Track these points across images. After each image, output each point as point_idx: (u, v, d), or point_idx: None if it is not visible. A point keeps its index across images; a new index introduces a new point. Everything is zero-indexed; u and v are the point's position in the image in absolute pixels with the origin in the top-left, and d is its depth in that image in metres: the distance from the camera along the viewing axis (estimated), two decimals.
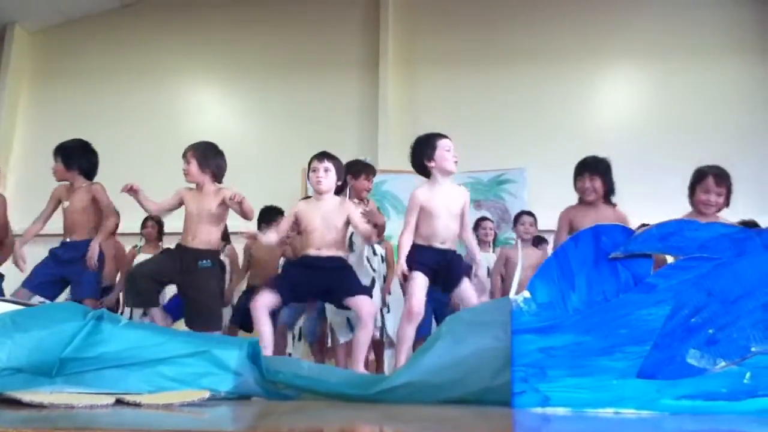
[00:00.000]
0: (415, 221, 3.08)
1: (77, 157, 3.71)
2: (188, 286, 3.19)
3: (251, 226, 3.82)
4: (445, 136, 3.10)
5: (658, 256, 1.47)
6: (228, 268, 4.57)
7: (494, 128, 6.11)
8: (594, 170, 3.38)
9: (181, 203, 3.36)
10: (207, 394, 1.38)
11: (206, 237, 3.25)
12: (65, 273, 3.61)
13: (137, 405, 1.26)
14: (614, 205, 3.49)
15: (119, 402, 1.28)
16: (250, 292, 4.36)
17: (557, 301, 1.35)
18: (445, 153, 3.04)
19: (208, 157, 3.32)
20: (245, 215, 3.24)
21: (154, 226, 4.94)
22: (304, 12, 7.00)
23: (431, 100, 6.57)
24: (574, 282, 1.37)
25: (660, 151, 5.73)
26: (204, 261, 3.18)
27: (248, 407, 1.40)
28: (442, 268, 2.99)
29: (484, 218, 4.74)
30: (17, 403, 1.19)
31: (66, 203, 3.65)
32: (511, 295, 1.38)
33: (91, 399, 1.24)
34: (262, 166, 6.42)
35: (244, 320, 4.31)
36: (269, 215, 4.54)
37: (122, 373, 1.41)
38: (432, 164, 3.06)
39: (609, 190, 3.41)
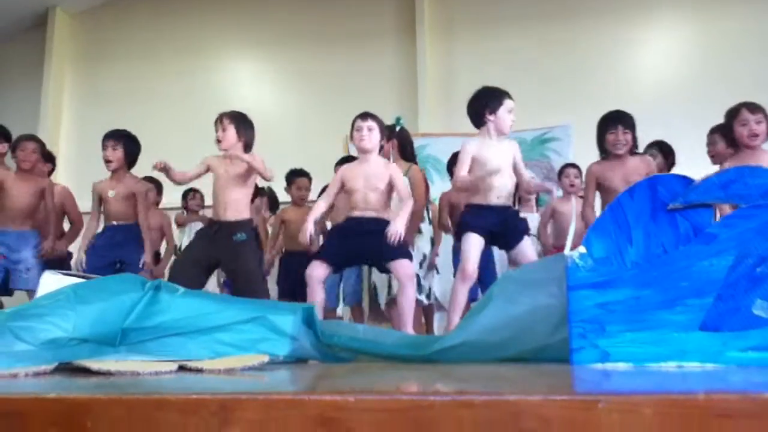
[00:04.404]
0: (466, 169, 3.08)
1: (133, 148, 3.85)
2: (228, 262, 3.27)
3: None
4: (511, 97, 3.09)
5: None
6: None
7: (535, 87, 6.00)
8: (627, 123, 3.38)
9: (206, 171, 3.41)
10: (266, 359, 1.40)
11: (236, 206, 3.30)
12: (118, 255, 3.75)
13: (200, 371, 1.29)
14: (640, 155, 3.46)
15: (182, 368, 1.31)
16: (289, 258, 4.43)
17: (614, 256, 1.32)
18: (507, 114, 3.05)
19: (245, 126, 3.38)
20: (262, 174, 3.31)
21: (194, 197, 5.03)
22: None
23: (470, 63, 6.49)
24: (631, 235, 1.33)
25: (705, 104, 5.53)
26: (238, 234, 3.23)
27: (306, 370, 1.42)
28: (501, 228, 2.98)
29: None
30: (86, 371, 1.23)
31: (112, 192, 3.76)
32: (566, 251, 1.35)
33: (155, 366, 1.28)
34: (302, 137, 6.48)
35: (291, 287, 4.39)
36: (294, 177, 4.63)
37: (182, 340, 1.44)
38: (492, 118, 3.05)
39: (635, 144, 3.42)
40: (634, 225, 1.34)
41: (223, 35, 7.20)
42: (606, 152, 3.45)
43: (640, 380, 1.07)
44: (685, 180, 1.36)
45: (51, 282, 1.64)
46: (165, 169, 3.29)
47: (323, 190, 3.82)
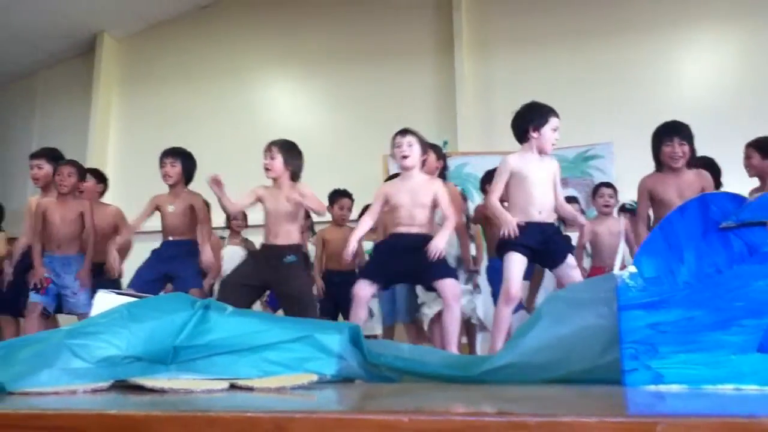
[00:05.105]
0: (503, 185, 3.03)
1: (190, 165, 3.92)
2: (278, 283, 3.31)
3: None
4: (558, 116, 3.06)
5: None
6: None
7: (576, 104, 5.93)
8: (684, 134, 3.25)
9: (255, 201, 3.45)
10: (315, 378, 1.42)
11: (287, 233, 3.35)
12: (168, 269, 3.81)
13: (250, 389, 1.31)
14: (696, 167, 3.33)
15: (233, 387, 1.33)
16: (330, 276, 4.45)
17: (665, 275, 1.30)
18: (551, 132, 3.02)
19: (293, 156, 3.42)
20: (316, 211, 3.43)
21: (237, 218, 5.07)
22: (376, 0, 7.01)
23: (509, 81, 6.45)
24: (682, 254, 1.31)
25: (749, 119, 5.40)
26: (288, 256, 3.27)
27: (353, 390, 1.43)
28: (544, 245, 2.93)
29: (570, 198, 4.61)
30: (140, 389, 1.26)
31: (171, 207, 3.83)
32: (615, 270, 1.33)
33: (208, 384, 1.30)
34: (340, 155, 6.51)
35: (331, 305, 4.41)
36: (336, 197, 4.65)
37: (231, 359, 1.46)
38: (536, 135, 3.02)
39: (693, 156, 3.28)
40: (686, 244, 1.32)
41: (261, 55, 7.33)
42: (661, 165, 3.32)
43: (697, 403, 1.05)
44: (737, 198, 1.33)
45: (105, 301, 1.68)
46: (218, 184, 3.28)
47: (364, 209, 3.83)
